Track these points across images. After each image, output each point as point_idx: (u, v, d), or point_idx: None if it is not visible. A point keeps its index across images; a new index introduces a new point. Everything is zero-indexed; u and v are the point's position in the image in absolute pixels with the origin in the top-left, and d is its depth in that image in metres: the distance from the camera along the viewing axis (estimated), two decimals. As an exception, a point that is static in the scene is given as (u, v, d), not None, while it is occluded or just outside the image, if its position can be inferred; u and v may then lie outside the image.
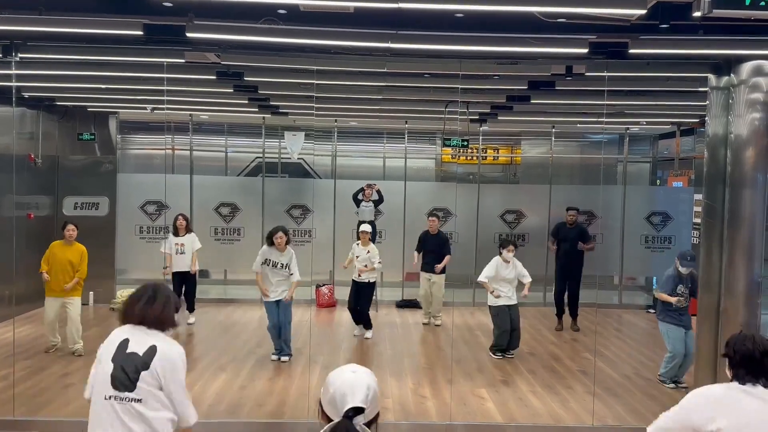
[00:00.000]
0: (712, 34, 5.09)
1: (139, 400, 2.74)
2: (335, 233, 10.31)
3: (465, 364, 7.55)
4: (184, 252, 8.86)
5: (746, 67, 5.46)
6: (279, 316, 7.38)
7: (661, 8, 4.69)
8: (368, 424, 1.99)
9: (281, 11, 4.89)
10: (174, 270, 8.82)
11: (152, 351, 2.81)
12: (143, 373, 2.76)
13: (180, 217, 8.98)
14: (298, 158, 11.79)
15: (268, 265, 7.35)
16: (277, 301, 7.36)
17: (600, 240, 10.86)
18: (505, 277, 7.71)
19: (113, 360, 2.80)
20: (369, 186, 10.20)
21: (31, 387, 6.29)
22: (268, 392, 6.41)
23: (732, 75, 5.58)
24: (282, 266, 7.33)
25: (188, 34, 5.04)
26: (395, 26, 5.10)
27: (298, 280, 7.39)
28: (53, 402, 5.78)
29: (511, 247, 7.76)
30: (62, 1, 4.94)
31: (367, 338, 8.50)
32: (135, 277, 10.01)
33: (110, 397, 2.76)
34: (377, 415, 2.04)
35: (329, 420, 1.99)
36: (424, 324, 9.44)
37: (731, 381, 2.65)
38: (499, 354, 7.80)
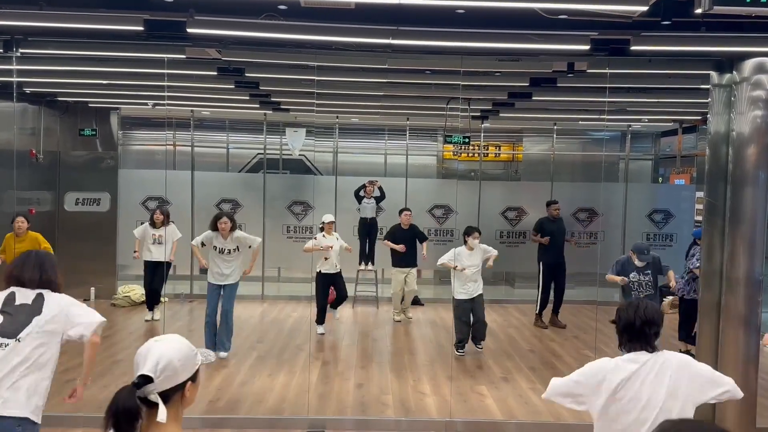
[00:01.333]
0: (714, 31, 5.07)
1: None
2: (336, 230, 10.28)
3: (465, 361, 7.55)
4: (161, 243, 8.89)
5: (748, 65, 5.44)
6: (221, 302, 7.32)
7: (663, 5, 4.67)
8: (168, 394, 1.90)
9: (282, 7, 4.88)
10: (149, 259, 8.89)
11: (40, 298, 3.26)
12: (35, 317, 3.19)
13: (157, 211, 9.02)
14: (300, 155, 11.78)
15: (215, 250, 7.33)
16: (221, 287, 7.32)
17: (601, 237, 10.85)
18: (470, 265, 7.62)
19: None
20: (370, 183, 10.20)
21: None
22: (268, 388, 6.41)
23: (734, 72, 5.56)
24: (228, 252, 7.31)
25: (189, 30, 5.03)
26: (396, 22, 5.09)
27: (258, 245, 7.49)
28: (53, 397, 5.79)
29: (476, 234, 7.72)
30: (63, -4, 4.94)
31: (336, 318, 8.68)
32: (136, 273, 10.01)
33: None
34: (184, 386, 1.95)
35: None
36: (396, 321, 9.43)
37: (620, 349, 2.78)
38: (462, 351, 7.74)
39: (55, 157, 10.12)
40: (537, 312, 9.33)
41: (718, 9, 3.77)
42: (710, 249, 5.79)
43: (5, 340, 3.13)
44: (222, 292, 7.36)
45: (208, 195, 10.79)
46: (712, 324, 5.73)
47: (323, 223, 8.63)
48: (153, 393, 1.86)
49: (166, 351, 1.93)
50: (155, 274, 8.92)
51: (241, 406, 5.93)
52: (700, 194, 9.61)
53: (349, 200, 10.36)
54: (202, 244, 7.42)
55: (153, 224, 8.94)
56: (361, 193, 10.18)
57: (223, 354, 7.30)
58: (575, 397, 2.73)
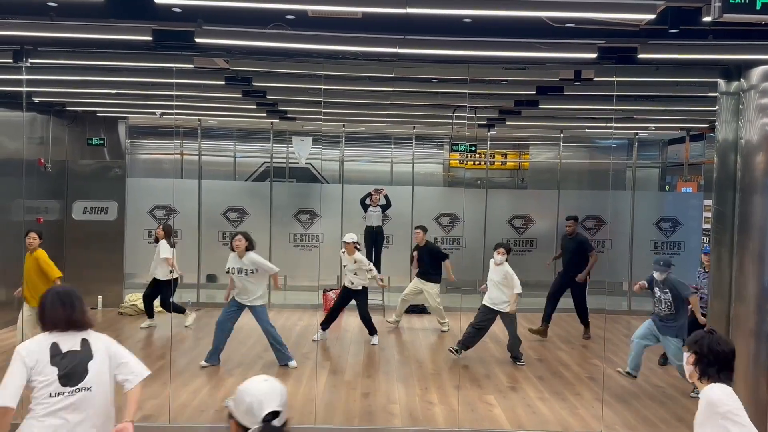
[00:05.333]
0: (722, 39, 5.06)
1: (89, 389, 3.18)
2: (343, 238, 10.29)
3: (473, 370, 7.51)
4: (155, 259, 8.98)
5: (756, 72, 5.41)
6: (231, 323, 7.43)
7: (670, 13, 4.66)
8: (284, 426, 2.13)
9: (290, 17, 4.90)
10: (151, 275, 9.06)
11: (86, 343, 3.24)
12: (90, 363, 3.20)
13: (159, 227, 9.09)
14: (306, 163, 11.80)
15: (232, 270, 7.31)
16: (242, 305, 7.36)
17: (609, 246, 10.81)
18: (492, 278, 7.72)
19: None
20: (376, 191, 10.20)
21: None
22: (275, 397, 6.38)
23: (742, 80, 5.54)
24: (245, 273, 7.26)
25: (197, 40, 5.06)
26: (403, 31, 5.10)
27: (274, 273, 7.46)
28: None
29: (501, 250, 7.74)
30: (72, 6, 4.97)
31: (373, 344, 8.48)
32: (144, 282, 10.03)
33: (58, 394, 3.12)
34: (287, 419, 2.16)
35: (245, 430, 2.09)
36: (388, 322, 9.47)
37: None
38: (454, 351, 7.76)
39: (63, 166, 10.17)
40: (542, 318, 9.27)
41: (728, 17, 3.76)
42: (719, 258, 5.75)
43: (68, 389, 3.13)
44: (253, 314, 7.41)
45: (215, 203, 10.82)
46: (722, 333, 5.68)
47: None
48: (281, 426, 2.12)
49: (283, 387, 2.20)
50: (153, 288, 9.06)
51: (247, 415, 5.90)
52: (707, 202, 9.56)
53: (355, 208, 10.35)
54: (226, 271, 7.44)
55: (156, 240, 9.02)
56: (367, 202, 10.18)
57: (292, 363, 7.37)
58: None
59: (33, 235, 7.11)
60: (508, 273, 7.67)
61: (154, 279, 9.04)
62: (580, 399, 6.59)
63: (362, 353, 8.17)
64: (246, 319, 9.43)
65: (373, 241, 10.24)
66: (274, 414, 2.08)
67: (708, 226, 8.77)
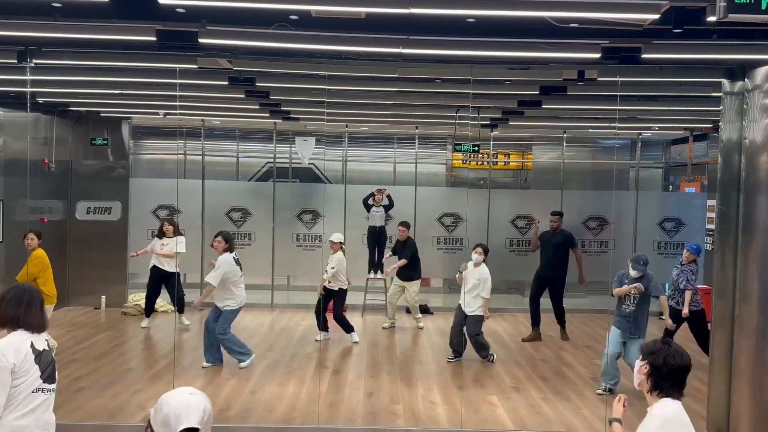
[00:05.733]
0: (726, 39, 5.05)
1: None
2: (345, 238, 10.30)
3: (476, 370, 7.51)
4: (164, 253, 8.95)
5: (761, 72, 5.39)
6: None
7: (674, 13, 4.65)
8: None
9: (293, 17, 4.90)
10: (158, 266, 8.94)
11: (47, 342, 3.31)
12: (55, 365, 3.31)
13: (165, 222, 9.06)
14: (309, 163, 11.82)
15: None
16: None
17: (612, 246, 10.79)
18: (467, 278, 7.69)
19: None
20: (379, 191, 10.20)
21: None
22: (278, 397, 6.40)
23: (746, 80, 5.52)
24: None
25: (201, 40, 5.06)
26: (406, 31, 5.10)
27: (206, 281, 7.23)
28: (64, 406, 5.81)
29: (479, 249, 7.72)
30: (76, 7, 4.97)
31: (355, 342, 8.50)
32: (146, 281, 10.04)
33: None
34: None
35: None
36: (384, 328, 9.45)
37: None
38: (453, 358, 7.80)
39: (66, 167, 10.20)
40: (531, 323, 9.16)
41: (733, 17, 3.74)
42: (723, 258, 5.74)
43: (50, 386, 3.25)
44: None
45: (218, 203, 10.84)
46: (726, 334, 5.67)
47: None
48: None
49: (207, 405, 2.06)
50: (167, 283, 8.98)
51: (251, 415, 5.91)
52: (711, 202, 9.55)
53: (358, 208, 10.36)
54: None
55: (161, 235, 8.98)
56: (370, 202, 10.19)
57: (243, 364, 7.31)
58: None
59: (31, 235, 7.13)
60: (484, 275, 7.65)
61: (158, 276, 8.97)
62: (584, 399, 6.58)
63: (365, 353, 8.17)
64: (248, 320, 9.47)
65: (376, 241, 10.24)
66: (191, 431, 1.96)
67: (712, 227, 8.76)
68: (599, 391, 6.74)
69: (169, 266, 8.86)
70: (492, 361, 7.77)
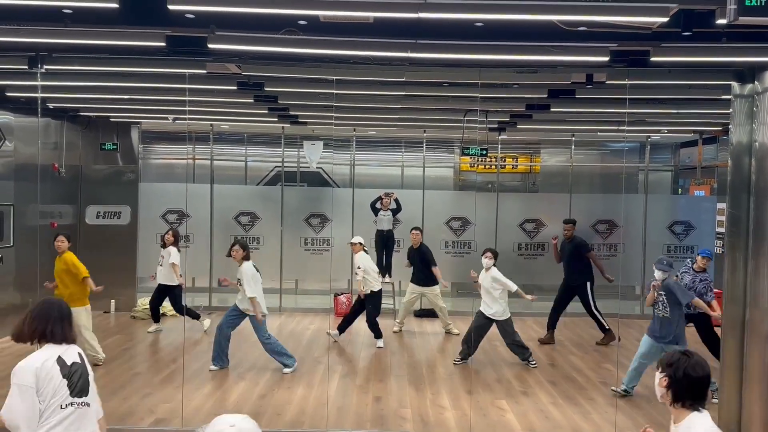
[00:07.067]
0: (735, 42, 5.02)
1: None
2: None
3: (484, 375, 7.49)
4: (162, 264, 9.00)
5: (771, 75, 5.37)
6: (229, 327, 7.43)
7: (683, 16, 4.64)
8: None
9: (301, 22, 4.92)
10: (157, 281, 9.06)
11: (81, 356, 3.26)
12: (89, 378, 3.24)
13: (169, 232, 9.10)
14: (317, 167, 11.83)
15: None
16: (241, 311, 7.40)
17: (621, 249, 10.74)
18: (482, 284, 7.74)
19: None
20: (387, 195, 10.20)
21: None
22: (287, 401, 6.41)
23: (756, 82, 5.50)
24: (239, 282, 7.29)
25: (210, 46, 5.09)
26: (414, 36, 5.10)
27: (251, 296, 7.18)
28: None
29: (489, 254, 7.75)
30: (87, 13, 5.01)
31: (379, 347, 8.50)
32: (156, 286, 10.08)
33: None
34: None
35: None
36: (394, 332, 9.44)
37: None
38: (459, 360, 7.83)
39: (76, 171, 10.26)
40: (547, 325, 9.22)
41: (744, 20, 3.73)
42: (734, 262, 5.70)
43: (80, 399, 3.17)
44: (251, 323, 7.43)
45: (226, 208, 10.87)
46: (737, 339, 5.63)
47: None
48: None
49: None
50: (168, 295, 9.09)
51: (260, 419, 5.91)
52: (721, 206, 9.48)
53: (366, 212, 10.36)
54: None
55: (164, 245, 9.03)
56: (378, 205, 10.19)
57: (287, 370, 7.33)
58: None
59: (61, 238, 7.23)
60: (496, 277, 7.67)
61: (159, 287, 9.09)
62: (593, 404, 6.55)
63: (373, 357, 8.16)
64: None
65: (384, 245, 10.24)
66: None
67: (721, 230, 8.69)
68: (613, 388, 6.78)
69: (165, 279, 8.94)
70: (533, 364, 7.77)
